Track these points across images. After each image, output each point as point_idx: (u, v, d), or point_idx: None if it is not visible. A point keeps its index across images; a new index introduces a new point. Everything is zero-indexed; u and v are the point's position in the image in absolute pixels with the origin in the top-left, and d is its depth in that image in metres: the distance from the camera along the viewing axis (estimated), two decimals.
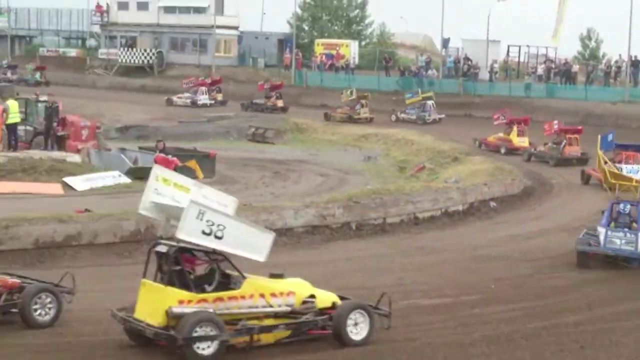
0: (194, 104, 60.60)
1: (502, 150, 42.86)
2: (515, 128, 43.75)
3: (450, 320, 16.14)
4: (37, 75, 73.06)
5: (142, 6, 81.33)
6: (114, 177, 30.99)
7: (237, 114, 54.42)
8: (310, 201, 25.31)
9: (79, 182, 30.23)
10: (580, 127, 41.50)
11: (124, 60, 79.05)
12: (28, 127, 35.77)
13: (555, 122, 42.04)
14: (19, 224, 20.27)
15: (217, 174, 33.53)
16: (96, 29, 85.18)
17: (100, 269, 19.69)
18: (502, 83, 64.52)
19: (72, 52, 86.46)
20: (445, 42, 71.31)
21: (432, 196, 27.50)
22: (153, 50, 78.73)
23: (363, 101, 54.77)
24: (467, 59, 68.58)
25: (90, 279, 18.64)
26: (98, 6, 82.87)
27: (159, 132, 44.30)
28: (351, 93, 55.73)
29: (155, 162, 25.84)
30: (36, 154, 32.65)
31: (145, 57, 78.50)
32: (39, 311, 14.80)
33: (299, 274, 19.28)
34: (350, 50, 75.68)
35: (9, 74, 74.01)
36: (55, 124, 34.82)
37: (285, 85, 63.36)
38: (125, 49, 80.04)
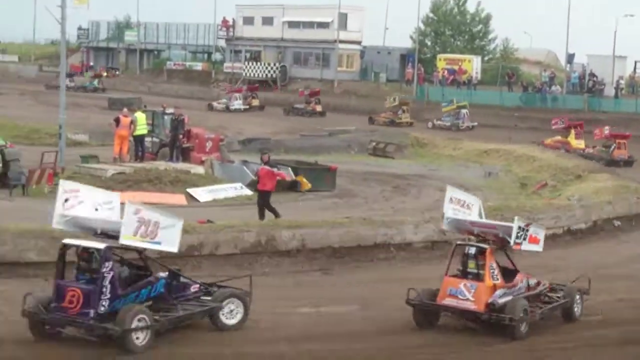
0: (227, 108, 64.42)
1: (562, 151, 45.95)
2: (573, 131, 48.13)
3: (573, 341, 15.92)
4: (95, 82, 78.10)
5: (267, 21, 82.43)
6: (236, 189, 31.43)
7: (357, 128, 54.58)
8: (430, 216, 25.18)
9: (202, 193, 30.78)
10: (628, 133, 46.75)
11: (248, 74, 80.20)
12: (154, 139, 36.59)
13: (607, 127, 47.46)
14: None
15: (338, 188, 33.69)
16: (222, 43, 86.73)
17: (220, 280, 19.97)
18: (629, 100, 63.24)
19: (198, 66, 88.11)
20: (570, 58, 70.25)
21: (554, 214, 27.07)
22: (277, 64, 79.68)
23: (404, 107, 61.23)
24: (592, 74, 67.42)
25: None
26: (224, 21, 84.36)
27: (280, 145, 44.81)
28: (394, 100, 62.02)
29: (259, 175, 26.00)
30: (162, 164, 33.37)
31: (269, 71, 79.50)
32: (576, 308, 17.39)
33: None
34: (473, 65, 75.19)
35: (67, 82, 76.60)
36: (180, 136, 35.54)
37: (407, 100, 63.54)
38: (250, 62, 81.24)
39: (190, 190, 30.67)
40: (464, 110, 59.35)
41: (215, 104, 65.69)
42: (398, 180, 37.22)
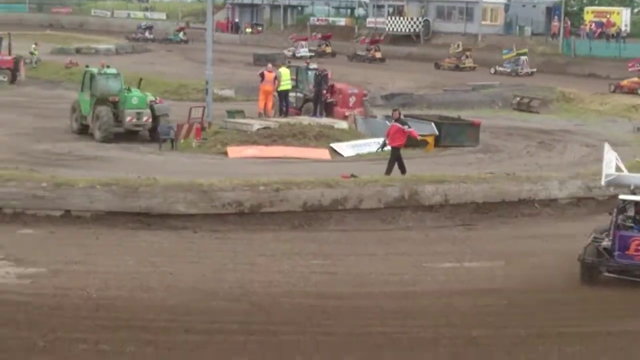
0: (293, 55, 66.30)
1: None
2: None
3: None
4: (180, 34, 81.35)
5: None
6: (379, 144, 31.46)
7: (501, 83, 53.90)
8: (576, 172, 24.78)
9: (346, 148, 30.99)
10: None
11: (391, 29, 79.83)
12: (298, 94, 36.92)
13: None
14: (289, 187, 21.05)
15: (481, 143, 33.42)
16: None
17: (364, 234, 20.16)
18: None
19: (341, 21, 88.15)
20: None
21: None
22: (420, 19, 79.01)
23: (467, 53, 65.70)
24: None
25: (355, 243, 19.24)
26: None
27: (423, 100, 44.62)
28: (458, 46, 66.98)
29: (388, 134, 25.86)
30: (305, 120, 33.67)
31: (412, 26, 78.89)
32: None
33: (560, 247, 19.09)
34: (622, 17, 72.90)
35: (147, 34, 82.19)
36: (324, 91, 35.76)
37: (552, 54, 62.87)
38: (393, 17, 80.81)
39: (334, 145, 30.92)
40: (523, 57, 62.76)
41: (285, 51, 68.64)
42: (543, 135, 36.66)
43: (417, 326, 13.99)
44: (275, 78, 35.56)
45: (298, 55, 67.14)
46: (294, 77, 36.92)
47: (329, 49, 72.36)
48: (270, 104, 35.79)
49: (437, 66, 65.20)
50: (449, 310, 14.80)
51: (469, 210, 21.70)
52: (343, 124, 33.49)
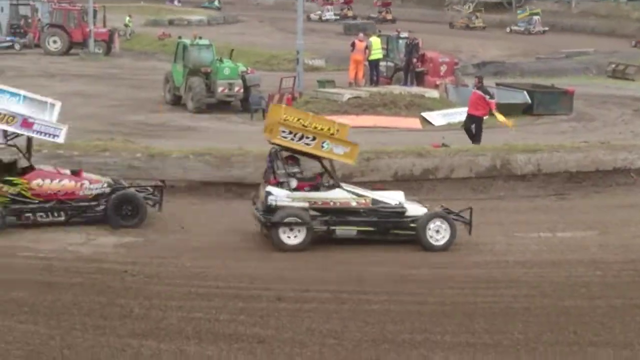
0: (320, 19, 73.04)
1: None
2: None
3: None
4: (216, 1, 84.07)
5: None
6: None
7: (596, 49, 52.98)
8: None
9: (437, 117, 30.87)
10: None
11: None
12: (389, 63, 36.88)
13: None
14: (380, 157, 21.06)
15: (575, 111, 32.98)
16: None
17: (456, 203, 20.05)
18: None
19: None
20: None
21: None
22: None
23: (477, 13, 72.31)
24: None
25: None
26: None
27: (516, 68, 44.21)
28: (469, 7, 74.43)
29: (470, 99, 25.37)
30: (396, 89, 33.62)
31: None
32: None
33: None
34: None
35: (175, 2, 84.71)
36: (415, 60, 35.63)
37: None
38: None
39: (425, 114, 30.84)
40: (536, 17, 67.74)
41: (312, 15, 73.04)
42: (639, 103, 36.00)
43: (508, 296, 13.91)
44: (366, 47, 35.57)
45: (324, 18, 72.44)
46: (385, 46, 36.90)
47: (350, 13, 76.79)
48: (361, 74, 35.83)
49: (451, 26, 70.50)
50: (541, 281, 14.66)
51: (562, 179, 21.45)
52: (434, 93, 33.34)
